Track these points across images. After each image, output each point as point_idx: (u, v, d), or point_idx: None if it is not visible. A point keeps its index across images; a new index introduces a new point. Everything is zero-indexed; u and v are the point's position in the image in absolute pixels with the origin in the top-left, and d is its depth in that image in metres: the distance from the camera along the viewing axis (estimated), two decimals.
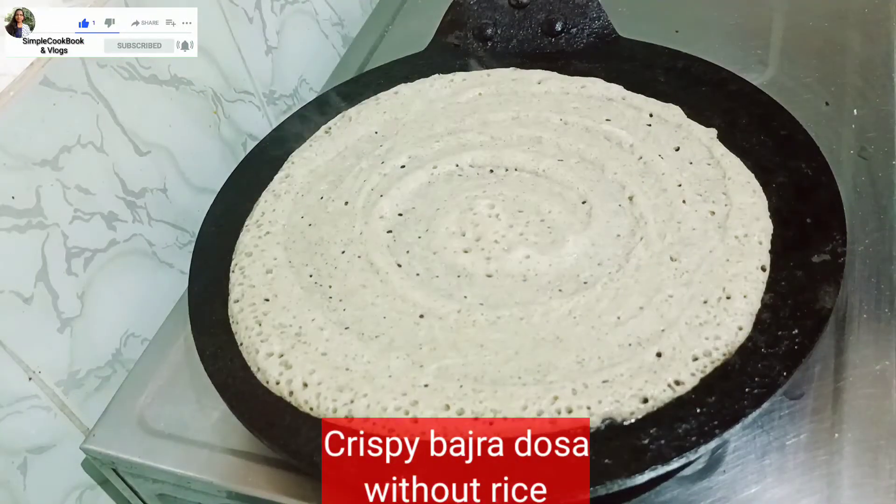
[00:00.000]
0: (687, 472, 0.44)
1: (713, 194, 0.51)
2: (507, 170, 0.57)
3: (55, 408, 0.53)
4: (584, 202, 0.53)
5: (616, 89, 0.60)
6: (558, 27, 0.65)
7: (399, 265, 0.51)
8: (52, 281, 0.52)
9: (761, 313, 0.45)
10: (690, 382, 0.43)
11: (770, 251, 0.48)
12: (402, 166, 0.58)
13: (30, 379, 0.51)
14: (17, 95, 0.49)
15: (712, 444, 0.40)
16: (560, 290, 0.48)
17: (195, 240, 0.56)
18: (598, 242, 0.50)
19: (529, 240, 0.51)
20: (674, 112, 0.57)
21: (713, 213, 0.50)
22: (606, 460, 0.40)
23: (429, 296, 0.49)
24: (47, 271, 0.52)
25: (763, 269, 0.47)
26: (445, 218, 0.53)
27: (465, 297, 0.49)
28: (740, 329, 0.45)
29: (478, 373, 0.45)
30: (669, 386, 0.43)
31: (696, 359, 0.43)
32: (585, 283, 0.48)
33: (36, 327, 0.52)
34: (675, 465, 0.40)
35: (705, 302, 0.46)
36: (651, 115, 0.58)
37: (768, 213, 0.50)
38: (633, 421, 0.42)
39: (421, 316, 0.48)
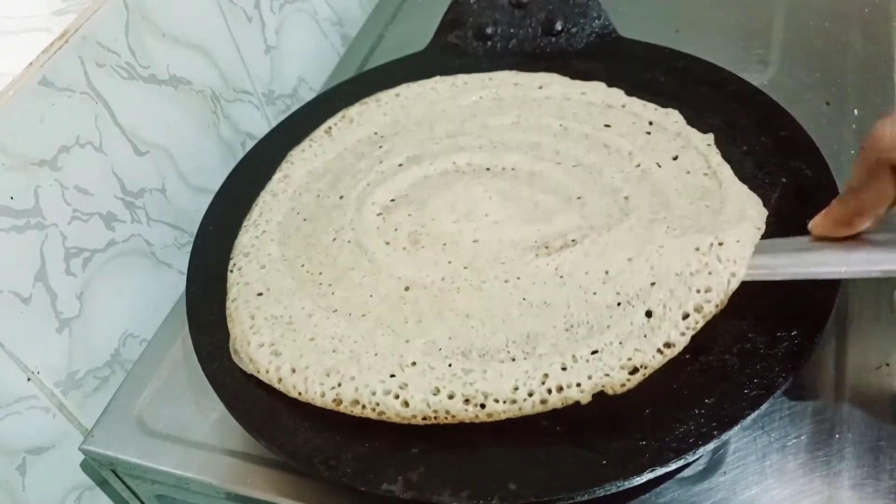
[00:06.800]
0: (687, 473, 0.44)
1: (710, 203, 0.51)
2: (503, 168, 0.56)
3: (54, 408, 0.53)
4: (578, 198, 0.52)
5: (617, 95, 0.59)
6: (558, 26, 0.65)
7: (387, 243, 0.51)
8: (51, 281, 0.52)
9: (761, 313, 0.45)
10: (681, 343, 0.43)
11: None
12: (400, 165, 0.58)
13: (28, 379, 0.51)
14: (16, 95, 0.49)
15: (710, 446, 0.40)
16: (546, 247, 0.48)
17: (193, 240, 0.56)
18: (589, 216, 0.50)
19: (521, 217, 0.50)
20: (674, 119, 0.57)
21: (708, 207, 0.50)
22: (604, 462, 0.40)
23: (413, 267, 0.48)
24: (46, 271, 0.52)
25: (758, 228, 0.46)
26: (438, 199, 0.53)
27: (450, 262, 0.48)
28: (733, 275, 0.44)
29: (465, 346, 0.44)
30: (659, 350, 0.42)
31: (686, 316, 0.43)
32: (574, 240, 0.48)
33: (34, 328, 0.52)
34: (673, 466, 0.40)
35: (697, 249, 0.45)
36: (651, 123, 0.57)
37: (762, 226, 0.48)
38: (624, 392, 0.42)
39: (406, 289, 0.48)
